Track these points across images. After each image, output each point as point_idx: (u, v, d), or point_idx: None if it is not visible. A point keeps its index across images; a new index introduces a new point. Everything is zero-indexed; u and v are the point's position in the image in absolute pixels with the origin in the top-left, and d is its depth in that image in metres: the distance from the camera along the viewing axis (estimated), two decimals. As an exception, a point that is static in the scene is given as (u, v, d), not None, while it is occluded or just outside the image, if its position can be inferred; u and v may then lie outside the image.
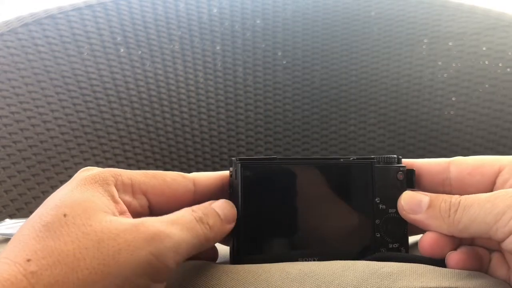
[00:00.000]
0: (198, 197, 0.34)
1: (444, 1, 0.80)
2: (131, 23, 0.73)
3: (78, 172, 0.31)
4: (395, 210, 0.34)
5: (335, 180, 0.34)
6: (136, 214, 0.31)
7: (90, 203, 0.28)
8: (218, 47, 0.78)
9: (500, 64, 0.76)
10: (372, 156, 0.35)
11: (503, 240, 0.29)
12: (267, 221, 0.34)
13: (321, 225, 0.34)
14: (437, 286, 0.28)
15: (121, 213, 0.29)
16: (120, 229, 0.27)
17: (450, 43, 0.78)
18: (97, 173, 0.30)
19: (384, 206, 0.34)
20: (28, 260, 0.25)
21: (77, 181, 0.30)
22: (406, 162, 0.36)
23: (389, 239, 0.34)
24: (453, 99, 0.77)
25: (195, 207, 0.32)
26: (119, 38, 0.72)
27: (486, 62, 0.76)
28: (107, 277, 0.25)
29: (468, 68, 0.77)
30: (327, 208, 0.34)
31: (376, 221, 0.34)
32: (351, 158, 0.35)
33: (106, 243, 0.26)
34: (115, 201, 0.30)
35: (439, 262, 0.32)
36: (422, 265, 0.31)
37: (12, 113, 0.62)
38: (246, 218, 0.34)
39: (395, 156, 0.35)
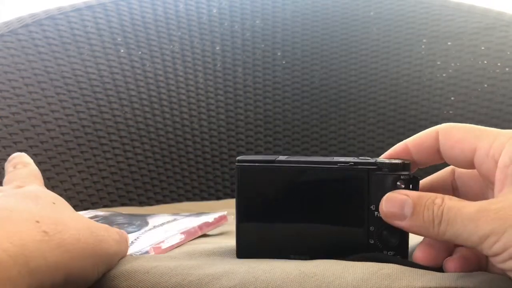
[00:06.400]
0: None
1: (443, 0, 0.80)
2: (131, 23, 0.74)
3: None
4: None
5: (330, 185, 0.34)
6: None
7: (63, 200, 0.35)
8: (217, 48, 0.78)
9: (499, 64, 0.76)
10: (374, 160, 0.34)
11: (490, 257, 0.29)
12: (264, 224, 0.35)
13: (316, 229, 0.34)
14: (437, 285, 0.29)
15: None
16: (101, 227, 0.34)
17: (449, 43, 0.78)
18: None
19: (379, 214, 0.33)
20: (38, 222, 0.28)
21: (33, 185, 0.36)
22: (399, 146, 0.35)
23: (383, 246, 0.33)
24: (452, 98, 0.77)
25: None
26: (119, 39, 0.72)
27: (485, 62, 0.76)
28: (96, 255, 0.32)
29: (467, 67, 0.77)
30: (322, 212, 0.34)
31: (371, 228, 0.33)
32: (350, 162, 0.34)
33: (94, 230, 0.32)
34: None
35: (436, 269, 0.32)
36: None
37: (13, 113, 0.62)
38: (243, 221, 0.35)
39: (399, 161, 0.33)
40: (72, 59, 0.68)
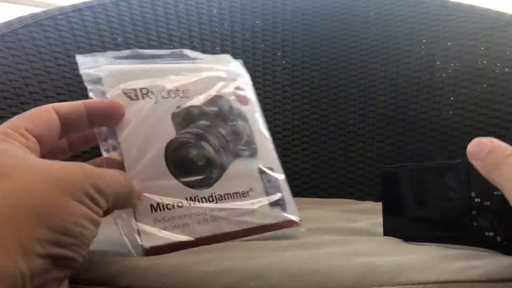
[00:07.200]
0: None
1: (442, 1, 0.81)
2: (131, 23, 0.74)
3: None
4: (489, 203, 0.38)
5: (443, 179, 0.41)
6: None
7: (20, 149, 0.32)
8: (217, 48, 0.78)
9: (499, 64, 0.76)
10: None
11: None
12: (400, 209, 0.45)
13: (435, 215, 0.42)
14: (437, 280, 0.29)
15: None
16: (66, 165, 0.31)
17: (449, 43, 0.79)
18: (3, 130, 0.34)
19: (478, 200, 0.38)
20: None
21: None
22: None
23: (483, 228, 0.38)
24: (452, 99, 0.78)
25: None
26: (119, 39, 0.72)
27: (485, 62, 0.77)
28: (63, 191, 0.29)
29: (466, 68, 0.77)
30: (439, 201, 0.41)
31: (473, 212, 0.39)
32: (458, 160, 0.40)
33: (50, 177, 0.30)
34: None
35: None
36: (422, 262, 0.32)
37: (13, 113, 0.62)
38: (387, 207, 0.45)
39: None
40: (72, 59, 0.69)
